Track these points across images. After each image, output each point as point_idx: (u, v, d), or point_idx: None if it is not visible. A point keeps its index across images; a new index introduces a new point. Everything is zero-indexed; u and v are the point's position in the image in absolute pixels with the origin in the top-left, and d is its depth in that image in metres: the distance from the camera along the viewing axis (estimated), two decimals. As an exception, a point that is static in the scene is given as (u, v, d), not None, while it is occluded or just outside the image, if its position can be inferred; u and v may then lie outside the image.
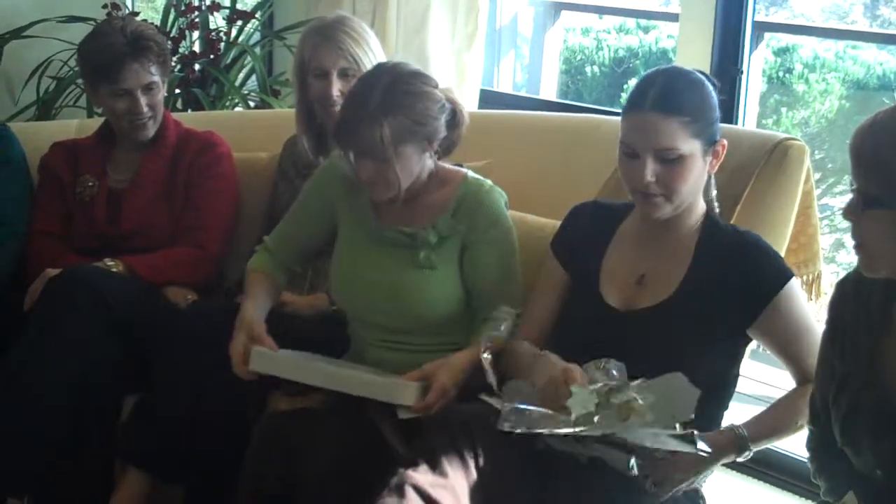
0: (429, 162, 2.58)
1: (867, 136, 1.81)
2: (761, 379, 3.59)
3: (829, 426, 2.03)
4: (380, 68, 2.58)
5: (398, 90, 2.47)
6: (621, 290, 2.33)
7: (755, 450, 2.21)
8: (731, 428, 2.21)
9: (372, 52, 2.95)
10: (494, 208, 2.59)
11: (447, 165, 2.67)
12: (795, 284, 2.28)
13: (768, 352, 2.33)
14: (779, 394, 2.36)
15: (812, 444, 2.13)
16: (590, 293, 2.35)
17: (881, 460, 1.90)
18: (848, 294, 1.99)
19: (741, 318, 2.25)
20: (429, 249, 2.56)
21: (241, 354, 2.49)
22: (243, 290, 2.71)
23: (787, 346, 2.29)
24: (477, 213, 2.57)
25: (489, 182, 2.62)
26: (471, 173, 2.65)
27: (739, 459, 2.21)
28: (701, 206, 2.33)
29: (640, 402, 2.03)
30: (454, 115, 2.57)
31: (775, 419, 2.28)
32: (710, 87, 2.27)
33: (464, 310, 2.59)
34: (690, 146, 2.20)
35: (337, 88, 2.90)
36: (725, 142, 2.28)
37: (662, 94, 2.22)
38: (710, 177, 2.33)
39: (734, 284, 2.23)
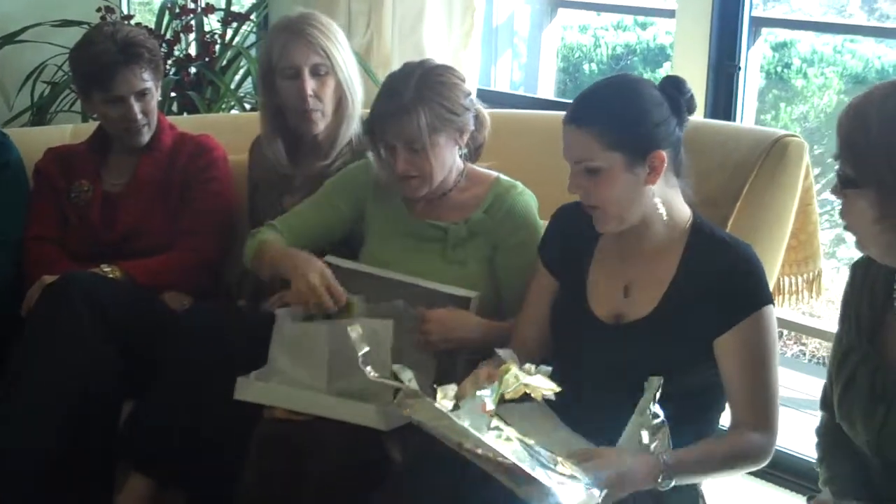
0: (458, 159, 2.65)
1: (843, 121, 1.88)
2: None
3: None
4: (409, 65, 2.63)
5: (431, 80, 2.55)
6: (609, 302, 2.30)
7: (677, 479, 2.07)
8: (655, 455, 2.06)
9: (342, 46, 2.93)
10: (525, 210, 2.64)
11: (479, 168, 2.73)
12: (772, 313, 2.20)
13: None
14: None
15: (821, 430, 2.15)
16: (578, 305, 2.33)
17: (870, 427, 1.94)
18: (858, 274, 2.05)
19: (712, 329, 2.18)
20: (459, 244, 2.62)
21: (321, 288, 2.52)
22: (242, 289, 2.66)
23: (740, 374, 2.17)
24: (508, 214, 2.62)
25: (521, 185, 2.67)
26: (503, 176, 2.70)
27: (661, 488, 2.05)
28: (682, 213, 2.27)
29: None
30: (477, 116, 2.65)
31: (698, 450, 2.15)
32: (652, 98, 2.19)
33: (492, 312, 2.60)
34: (607, 158, 2.16)
35: (311, 87, 2.86)
36: (664, 154, 2.18)
37: (577, 106, 2.23)
38: (677, 184, 2.26)
39: (715, 294, 2.18)
